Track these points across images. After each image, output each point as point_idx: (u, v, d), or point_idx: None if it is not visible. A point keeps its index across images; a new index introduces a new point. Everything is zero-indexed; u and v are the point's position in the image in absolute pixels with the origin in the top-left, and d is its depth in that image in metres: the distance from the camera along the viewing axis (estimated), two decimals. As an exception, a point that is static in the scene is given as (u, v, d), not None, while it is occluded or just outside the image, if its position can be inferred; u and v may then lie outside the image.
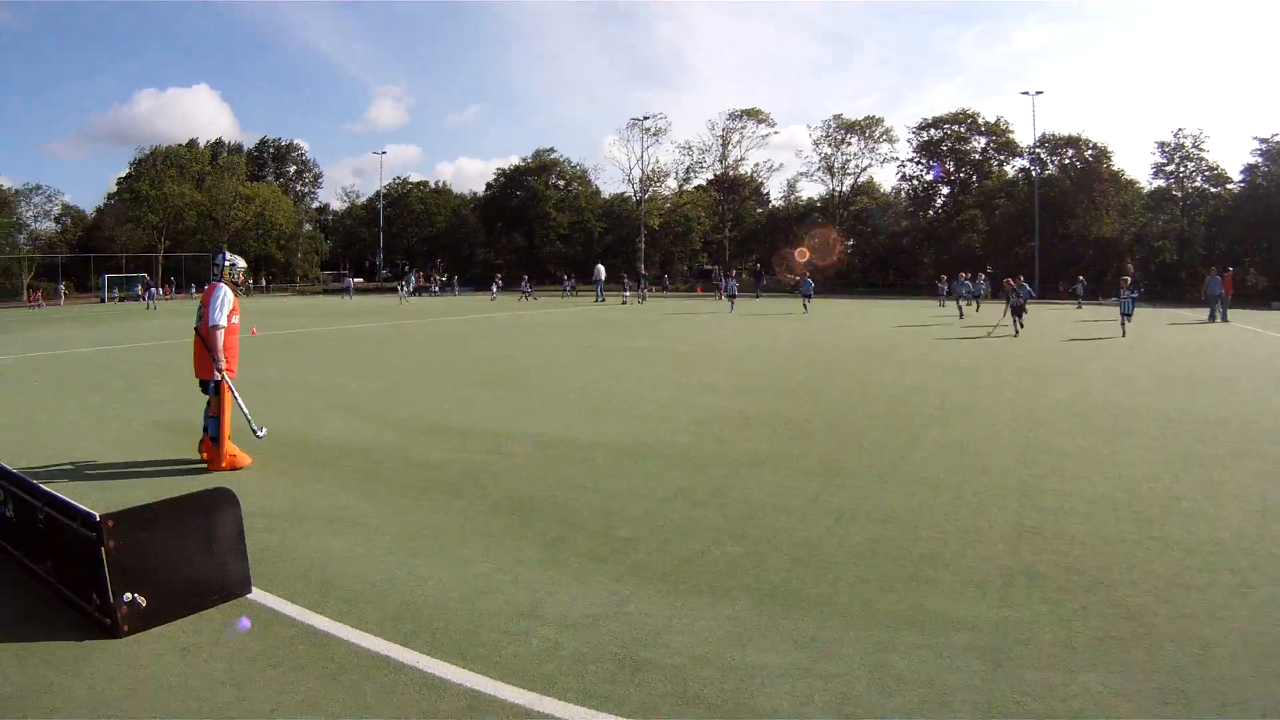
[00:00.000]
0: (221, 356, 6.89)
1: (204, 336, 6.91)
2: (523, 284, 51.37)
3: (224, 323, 6.91)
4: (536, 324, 26.50)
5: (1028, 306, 25.17)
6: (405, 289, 54.44)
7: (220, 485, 4.41)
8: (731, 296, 38.50)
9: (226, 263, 7.26)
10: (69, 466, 7.20)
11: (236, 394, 7.09)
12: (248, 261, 74.15)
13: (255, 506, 5.72)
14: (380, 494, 6.30)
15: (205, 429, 7.10)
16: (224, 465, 6.91)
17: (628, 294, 48.88)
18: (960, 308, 30.20)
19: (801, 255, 42.89)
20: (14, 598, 4.33)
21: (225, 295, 7.02)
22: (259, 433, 7.42)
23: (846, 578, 4.50)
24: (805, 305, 35.03)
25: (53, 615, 4.09)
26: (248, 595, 4.29)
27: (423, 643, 3.73)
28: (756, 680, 3.35)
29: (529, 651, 3.64)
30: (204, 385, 7.03)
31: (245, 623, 3.72)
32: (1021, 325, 22.20)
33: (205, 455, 7.07)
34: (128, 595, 3.85)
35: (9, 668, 3.54)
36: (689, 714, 3.11)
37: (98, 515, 3.84)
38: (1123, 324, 21.37)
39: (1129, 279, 23.01)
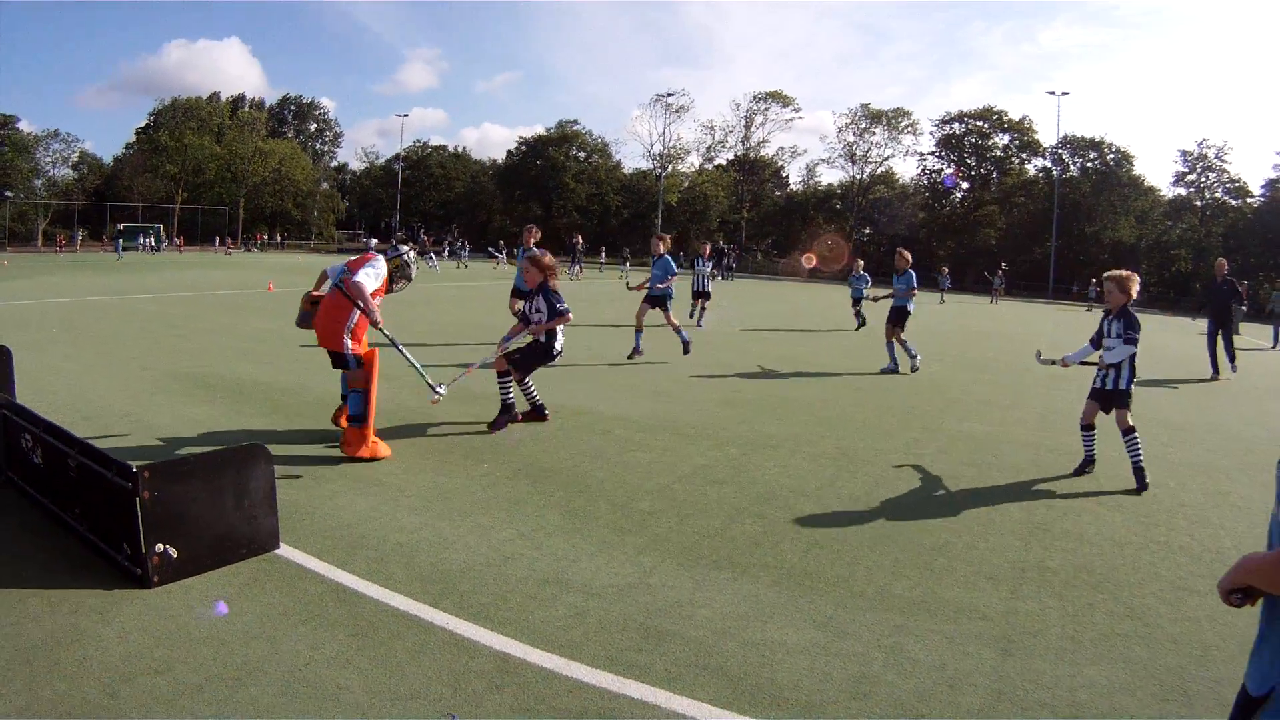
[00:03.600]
0: (374, 309, 6.13)
1: (346, 290, 6.13)
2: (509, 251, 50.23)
3: (369, 284, 6.16)
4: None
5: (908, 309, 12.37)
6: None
7: (254, 442, 4.50)
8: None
9: (400, 255, 6.72)
10: (90, 417, 7.30)
11: (406, 353, 6.71)
12: (262, 218, 74.89)
13: (280, 464, 5.83)
14: (403, 456, 6.38)
15: (345, 403, 6.40)
16: (364, 452, 6.13)
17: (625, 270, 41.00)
18: (861, 316, 20.19)
19: (809, 261, 36.40)
20: (40, 545, 4.37)
21: (380, 267, 6.38)
22: (439, 389, 6.78)
23: (863, 562, 4.60)
24: None
25: (80, 563, 4.13)
26: (276, 550, 4.37)
27: (451, 604, 3.83)
28: (777, 655, 3.46)
29: (556, 617, 3.74)
30: (334, 359, 6.27)
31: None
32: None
33: (342, 427, 6.36)
34: (160, 546, 3.88)
35: (39, 614, 3.56)
36: (712, 685, 3.21)
37: (134, 466, 3.88)
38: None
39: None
